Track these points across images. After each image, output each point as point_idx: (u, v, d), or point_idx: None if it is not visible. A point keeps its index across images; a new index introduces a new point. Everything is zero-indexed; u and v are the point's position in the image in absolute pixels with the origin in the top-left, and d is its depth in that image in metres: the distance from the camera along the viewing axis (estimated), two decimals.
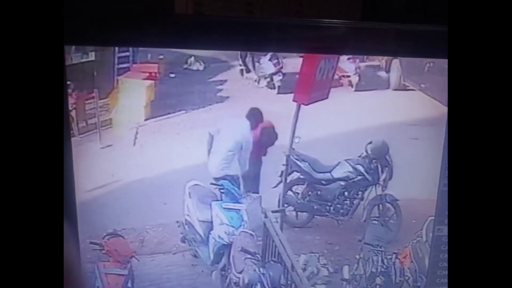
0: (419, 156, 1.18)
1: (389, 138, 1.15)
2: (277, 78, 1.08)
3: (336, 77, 1.09)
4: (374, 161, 1.18)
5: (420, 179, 1.20)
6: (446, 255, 1.25)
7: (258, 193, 1.18)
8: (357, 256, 1.24)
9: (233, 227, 1.18)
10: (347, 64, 1.09)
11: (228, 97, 1.07)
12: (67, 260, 0.62)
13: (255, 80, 1.07)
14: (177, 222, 1.15)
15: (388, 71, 1.10)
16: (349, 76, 1.10)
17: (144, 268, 1.15)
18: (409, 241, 1.25)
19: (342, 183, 1.20)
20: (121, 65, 1.01)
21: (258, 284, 1.20)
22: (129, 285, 1.15)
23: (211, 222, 1.18)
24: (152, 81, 1.02)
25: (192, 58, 1.01)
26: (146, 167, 1.07)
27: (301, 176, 1.20)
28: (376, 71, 1.10)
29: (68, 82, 0.97)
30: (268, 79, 1.08)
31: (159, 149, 1.07)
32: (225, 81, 1.05)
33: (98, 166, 1.04)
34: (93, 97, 1.01)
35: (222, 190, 1.15)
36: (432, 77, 1.12)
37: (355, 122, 1.12)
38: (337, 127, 1.12)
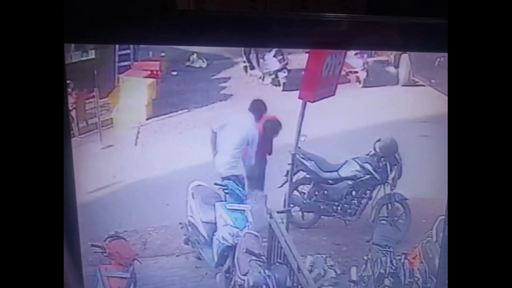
0: (429, 154, 1.15)
1: (398, 136, 1.13)
2: (282, 75, 1.06)
3: (343, 73, 1.07)
4: (382, 159, 1.16)
5: (430, 178, 1.18)
6: None
7: (263, 191, 1.15)
8: (365, 257, 1.22)
9: (237, 228, 1.16)
10: (354, 59, 1.07)
11: (231, 94, 1.05)
12: (67, 263, 0.61)
13: (260, 77, 1.05)
14: (180, 223, 1.14)
15: (397, 66, 1.08)
16: (356, 72, 1.08)
17: (147, 271, 1.13)
18: (419, 241, 1.23)
19: (350, 182, 1.18)
20: (122, 63, 0.99)
21: (264, 286, 1.18)
22: None
23: (215, 223, 1.16)
24: (154, 79, 1.00)
25: (195, 55, 0.99)
26: (148, 168, 1.05)
27: (307, 176, 1.18)
28: (384, 67, 1.08)
29: (68, 81, 0.95)
30: (273, 76, 1.06)
31: (161, 149, 1.05)
32: (229, 78, 1.03)
33: (99, 167, 1.03)
34: (93, 96, 1.00)
35: (226, 191, 1.14)
36: (443, 72, 1.09)
37: (363, 119, 1.10)
38: (345, 124, 1.10)
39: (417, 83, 1.12)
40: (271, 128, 1.07)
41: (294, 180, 1.18)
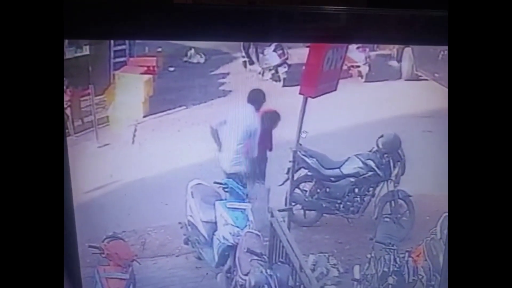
0: (433, 149, 1.14)
1: (401, 131, 1.11)
2: (282, 70, 1.04)
3: (344, 67, 1.05)
4: (385, 155, 1.15)
5: (434, 174, 1.16)
6: None
7: (264, 189, 1.14)
8: (369, 255, 1.20)
9: (238, 227, 1.15)
10: (356, 53, 1.05)
11: (231, 91, 1.03)
12: (64, 264, 0.60)
13: (259, 73, 1.04)
14: (180, 223, 1.13)
15: (399, 60, 1.06)
16: (358, 67, 1.06)
17: (146, 272, 1.12)
18: (423, 238, 1.22)
19: (352, 179, 1.17)
20: (117, 59, 0.98)
21: (265, 286, 1.16)
22: None
23: (215, 222, 1.15)
24: (151, 76, 0.98)
25: (192, 50, 0.98)
26: (146, 166, 1.04)
27: (309, 173, 1.17)
28: (387, 61, 1.06)
29: None
30: (273, 71, 1.04)
31: (159, 147, 1.04)
32: (228, 74, 1.02)
33: (95, 166, 1.02)
34: (88, 94, 0.98)
35: (226, 189, 1.12)
36: (446, 66, 1.07)
37: (365, 115, 1.08)
38: (347, 120, 1.08)
39: (421, 77, 1.10)
40: (270, 119, 1.05)
41: (295, 177, 1.16)
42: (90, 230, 1.05)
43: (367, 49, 1.07)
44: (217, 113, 1.05)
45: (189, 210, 1.13)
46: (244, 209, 1.14)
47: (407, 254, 1.22)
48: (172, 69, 1.00)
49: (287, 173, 1.15)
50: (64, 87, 0.96)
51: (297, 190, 1.18)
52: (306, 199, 1.19)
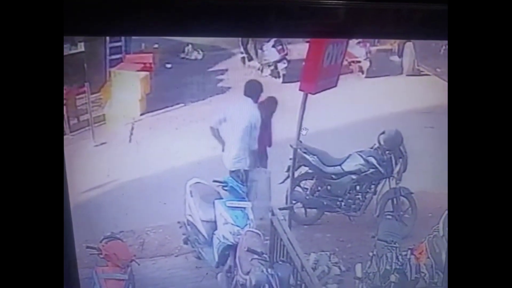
0: (435, 145, 1.12)
1: (403, 127, 1.10)
2: (281, 66, 1.05)
3: (345, 63, 1.03)
4: (387, 152, 1.14)
5: (436, 171, 1.15)
6: None
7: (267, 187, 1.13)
8: (371, 253, 1.19)
9: (238, 226, 1.14)
10: (356, 48, 1.06)
11: (229, 87, 1.04)
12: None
13: (258, 69, 1.04)
14: (179, 222, 1.12)
15: (401, 55, 1.07)
16: (359, 62, 1.07)
17: (145, 272, 1.11)
18: (425, 236, 1.21)
19: (354, 176, 1.16)
20: (113, 56, 0.98)
21: (266, 285, 1.15)
22: None
23: (215, 221, 1.14)
24: (147, 73, 0.98)
25: (190, 46, 0.97)
26: (143, 165, 1.03)
27: (310, 171, 1.16)
28: (388, 56, 1.07)
29: None
30: (272, 67, 1.05)
31: (157, 146, 1.03)
32: (226, 70, 1.02)
33: (92, 165, 1.01)
34: (84, 92, 0.97)
35: (225, 188, 1.11)
36: None
37: (366, 111, 1.07)
38: (347, 117, 1.08)
39: (422, 73, 1.09)
40: (268, 106, 1.04)
41: (296, 175, 1.16)
42: (87, 231, 1.03)
43: (368, 44, 1.06)
44: (215, 110, 1.04)
45: (188, 209, 1.12)
46: (244, 207, 1.13)
47: (409, 251, 1.21)
48: (169, 65, 0.99)
49: (288, 171, 1.15)
50: None
51: (297, 188, 1.18)
52: (307, 197, 1.18)
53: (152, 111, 0.98)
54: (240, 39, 0.95)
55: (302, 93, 1.03)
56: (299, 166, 1.13)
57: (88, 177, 1.01)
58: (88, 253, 1.06)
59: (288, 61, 0.99)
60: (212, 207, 1.11)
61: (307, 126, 1.06)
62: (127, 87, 0.96)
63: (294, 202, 1.15)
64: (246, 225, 1.14)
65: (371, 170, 1.15)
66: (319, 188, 1.17)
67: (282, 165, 1.09)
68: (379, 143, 1.10)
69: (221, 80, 0.99)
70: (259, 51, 0.99)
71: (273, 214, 1.13)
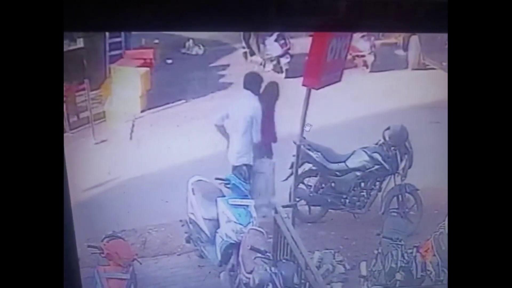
0: (441, 141, 1.10)
1: (408, 123, 1.09)
2: (284, 61, 1.04)
3: (349, 57, 1.03)
4: (392, 148, 1.13)
5: (442, 167, 1.12)
6: None
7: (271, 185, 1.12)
8: (376, 251, 1.18)
9: (241, 224, 1.12)
10: (361, 42, 1.05)
11: (231, 83, 1.03)
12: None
13: (261, 64, 1.04)
14: (181, 221, 1.11)
15: (406, 49, 1.06)
16: (363, 56, 1.06)
17: (147, 271, 1.10)
18: (431, 233, 1.19)
19: (358, 173, 1.15)
20: (113, 52, 0.97)
21: (270, 284, 1.13)
22: None
23: (217, 220, 1.13)
24: (148, 69, 0.98)
25: (191, 41, 0.97)
26: (144, 163, 1.03)
27: (313, 167, 1.15)
28: (393, 50, 1.06)
29: None
30: (275, 62, 1.05)
31: (158, 143, 1.03)
32: (228, 65, 1.02)
33: (92, 163, 1.00)
34: (84, 89, 0.97)
35: (228, 185, 1.10)
36: None
37: (371, 106, 1.06)
38: (352, 112, 1.07)
39: (428, 67, 1.08)
40: (270, 93, 1.02)
41: (299, 172, 1.14)
42: (88, 230, 1.02)
43: (372, 38, 1.04)
44: (217, 107, 1.03)
45: (190, 207, 1.11)
46: (247, 205, 1.12)
47: (415, 249, 1.20)
48: (170, 61, 0.99)
49: (291, 167, 1.14)
50: None
51: (301, 185, 1.16)
52: (311, 194, 1.17)
53: (153, 108, 0.97)
54: (242, 33, 0.94)
55: (305, 88, 1.01)
56: (303, 163, 1.12)
57: (88, 175, 1.00)
58: (90, 252, 1.06)
59: (291, 56, 0.98)
60: (214, 205, 1.09)
61: (310, 122, 1.05)
62: (127, 83, 0.95)
63: (297, 199, 1.14)
64: (249, 223, 1.12)
65: (376, 166, 1.14)
66: (323, 185, 1.16)
67: (285, 162, 1.08)
68: (384, 139, 1.09)
69: (222, 75, 0.97)
70: (261, 45, 0.97)
71: (276, 212, 1.12)
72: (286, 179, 1.13)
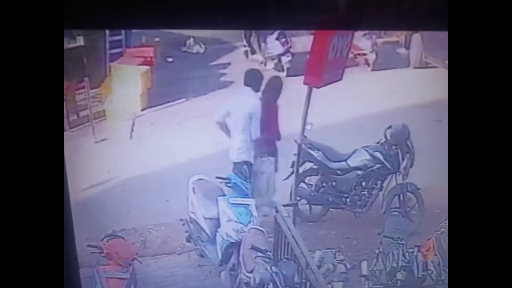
0: (443, 140, 1.10)
1: (410, 122, 1.09)
2: (285, 59, 1.04)
3: (350, 55, 1.02)
4: (394, 147, 1.12)
5: (444, 166, 1.12)
6: None
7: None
8: (377, 251, 1.18)
9: (241, 223, 1.12)
10: (362, 40, 1.05)
11: (232, 82, 1.03)
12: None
13: (262, 62, 1.03)
14: (181, 220, 1.11)
15: (408, 47, 1.05)
16: (365, 54, 1.06)
17: (148, 271, 1.10)
18: (433, 232, 1.18)
19: (359, 172, 1.14)
20: (113, 50, 0.97)
21: (270, 283, 1.13)
22: None
23: (218, 219, 1.12)
24: (148, 67, 0.98)
25: (191, 40, 0.97)
26: (145, 162, 1.02)
27: (314, 166, 1.14)
28: (394, 48, 1.06)
29: None
30: (276, 61, 1.04)
31: (159, 142, 1.03)
32: (229, 64, 1.02)
33: (92, 162, 1.00)
34: (84, 87, 0.97)
35: (228, 184, 1.09)
36: None
37: (372, 105, 1.06)
38: (353, 111, 1.07)
39: (430, 65, 1.07)
40: (273, 87, 1.02)
41: (300, 171, 1.13)
42: (88, 229, 1.02)
43: (374, 36, 1.04)
44: (218, 105, 1.02)
45: (190, 206, 1.10)
46: (248, 204, 1.11)
47: (416, 248, 1.19)
48: (170, 59, 0.98)
49: (292, 166, 1.13)
50: None
51: (302, 184, 1.16)
52: (312, 193, 1.17)
53: (153, 107, 0.97)
54: (243, 31, 0.93)
55: (306, 86, 1.00)
56: (304, 162, 1.12)
57: (88, 174, 1.00)
58: (90, 251, 1.05)
59: (292, 54, 0.97)
60: (215, 204, 1.09)
61: (311, 120, 1.05)
62: (127, 81, 0.94)
63: (298, 198, 1.14)
64: (249, 222, 1.12)
65: (377, 165, 1.13)
66: (324, 184, 1.15)
67: (286, 160, 1.07)
68: (386, 137, 1.08)
69: (223, 74, 0.97)
70: (263, 44, 0.97)
71: (277, 211, 1.11)
72: (287, 178, 1.12)
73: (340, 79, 1.04)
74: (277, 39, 1.00)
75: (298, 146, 1.10)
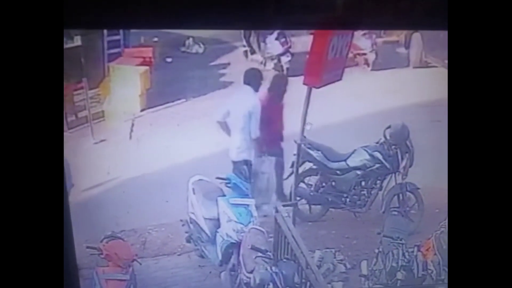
0: (442, 140, 1.10)
1: (409, 121, 1.09)
2: (285, 59, 1.04)
3: (350, 55, 1.02)
4: (393, 147, 1.12)
5: (443, 166, 1.12)
6: None
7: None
8: (376, 250, 1.18)
9: (242, 223, 1.12)
10: (362, 40, 1.05)
11: (232, 82, 1.03)
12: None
13: (261, 62, 1.04)
14: (181, 220, 1.11)
15: (407, 47, 1.06)
16: (365, 54, 1.06)
17: (147, 272, 1.09)
18: (432, 232, 1.18)
19: (359, 172, 1.14)
20: (111, 50, 0.97)
21: (271, 283, 1.13)
22: None
23: (218, 219, 1.12)
24: (147, 67, 0.97)
25: (190, 40, 0.97)
26: (144, 163, 1.02)
27: (314, 166, 1.14)
28: (394, 48, 1.06)
29: None
30: (276, 61, 1.04)
31: (158, 142, 1.02)
32: (228, 64, 1.02)
33: (92, 163, 1.00)
34: (82, 87, 0.96)
35: (228, 185, 1.09)
36: None
37: (372, 104, 1.06)
38: (353, 111, 1.07)
39: (430, 64, 1.07)
40: (278, 83, 1.01)
41: (300, 171, 1.13)
42: (87, 230, 1.01)
43: (374, 36, 1.04)
44: (218, 105, 1.02)
45: (190, 207, 1.10)
46: (248, 204, 1.11)
47: (416, 248, 1.19)
48: (169, 60, 0.98)
49: (292, 166, 1.13)
50: None
51: (302, 184, 1.16)
52: (311, 193, 1.17)
53: (152, 107, 0.96)
54: (242, 31, 0.92)
55: (306, 87, 1.00)
56: (303, 162, 1.11)
57: (87, 175, 1.00)
58: (89, 253, 1.04)
59: (292, 54, 0.97)
60: (215, 205, 1.09)
61: (311, 120, 1.05)
62: (126, 82, 0.94)
63: (298, 198, 1.14)
64: (249, 222, 1.12)
65: (377, 165, 1.13)
66: (324, 184, 1.15)
67: (286, 160, 1.07)
68: (385, 137, 1.08)
69: (223, 74, 0.97)
70: (262, 44, 0.97)
71: (277, 211, 1.11)
72: (287, 178, 1.12)
73: (340, 79, 1.04)
74: (276, 39, 0.99)
75: (298, 146, 1.10)
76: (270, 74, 1.04)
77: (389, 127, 1.11)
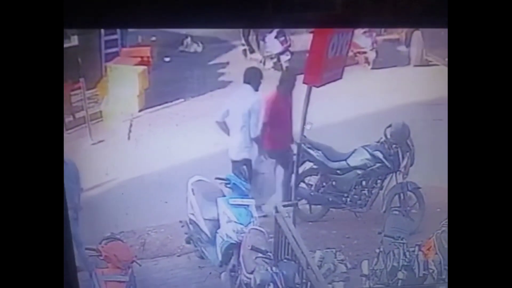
0: (443, 139, 1.10)
1: (410, 120, 1.08)
2: (284, 58, 1.03)
3: (350, 54, 1.02)
4: (394, 146, 1.12)
5: (444, 165, 1.12)
6: None
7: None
8: (377, 250, 1.17)
9: (242, 224, 1.11)
10: (362, 38, 1.04)
11: (231, 81, 1.02)
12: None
13: (260, 61, 1.03)
14: (181, 221, 1.10)
15: (408, 45, 1.05)
16: (365, 52, 1.05)
17: (147, 273, 1.09)
18: (433, 231, 1.18)
19: (359, 171, 1.14)
20: (109, 50, 0.96)
21: (271, 284, 1.12)
22: None
23: (218, 220, 1.12)
24: (145, 67, 0.97)
25: (189, 39, 0.96)
26: (143, 163, 1.01)
27: (314, 166, 1.14)
28: (395, 46, 1.05)
29: None
30: (275, 60, 1.03)
31: (157, 143, 1.01)
32: (227, 63, 1.01)
33: (90, 164, 0.98)
34: (79, 88, 0.95)
35: (228, 185, 1.08)
36: None
37: (372, 103, 1.05)
38: (353, 110, 1.06)
39: (430, 63, 1.07)
40: (288, 82, 1.01)
41: (300, 171, 1.13)
42: (86, 232, 1.01)
43: (374, 34, 1.03)
44: (217, 105, 1.01)
45: (190, 207, 1.10)
46: (248, 205, 1.10)
47: (417, 247, 1.19)
48: (167, 59, 0.97)
49: (292, 166, 1.13)
50: None
51: (302, 184, 1.15)
52: (312, 193, 1.16)
53: (151, 107, 0.96)
54: (241, 30, 0.92)
55: (306, 86, 1.00)
56: (304, 162, 1.11)
57: (85, 176, 0.99)
58: (88, 254, 1.04)
59: (291, 53, 0.96)
60: (214, 205, 1.08)
61: (311, 120, 1.04)
62: (124, 82, 0.93)
63: (298, 198, 1.13)
64: (249, 222, 1.11)
65: (378, 164, 1.13)
66: (324, 184, 1.15)
67: (286, 160, 1.06)
68: (386, 136, 1.08)
69: (222, 73, 0.96)
70: (261, 42, 0.96)
71: (277, 211, 1.11)
72: (287, 178, 1.12)
73: (340, 78, 1.03)
74: (276, 37, 0.99)
75: (298, 146, 1.10)
76: (276, 73, 1.03)
77: (389, 126, 1.10)
